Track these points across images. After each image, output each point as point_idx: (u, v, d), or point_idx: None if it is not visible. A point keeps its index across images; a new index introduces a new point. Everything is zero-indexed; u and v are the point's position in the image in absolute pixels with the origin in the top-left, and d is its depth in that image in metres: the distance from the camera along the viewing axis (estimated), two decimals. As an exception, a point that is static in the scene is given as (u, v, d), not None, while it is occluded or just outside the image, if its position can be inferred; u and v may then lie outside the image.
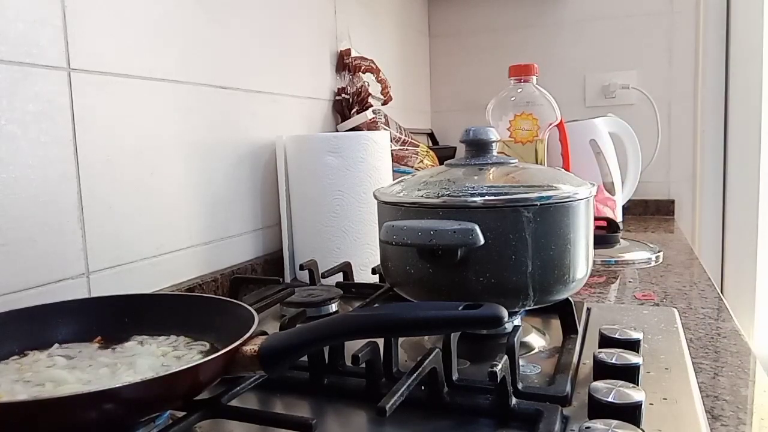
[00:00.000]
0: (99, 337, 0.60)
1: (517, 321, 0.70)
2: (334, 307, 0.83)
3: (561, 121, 1.31)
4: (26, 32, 0.65)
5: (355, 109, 1.32)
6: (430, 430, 0.52)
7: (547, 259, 0.63)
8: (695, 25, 1.80)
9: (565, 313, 0.70)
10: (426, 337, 0.72)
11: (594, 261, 0.87)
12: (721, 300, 0.92)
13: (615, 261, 1.18)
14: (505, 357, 0.51)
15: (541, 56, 1.91)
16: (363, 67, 1.37)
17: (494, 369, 0.48)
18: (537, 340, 0.70)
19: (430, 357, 0.52)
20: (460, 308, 0.45)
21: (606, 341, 0.63)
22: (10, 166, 0.64)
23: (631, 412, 0.48)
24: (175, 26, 0.87)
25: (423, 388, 0.53)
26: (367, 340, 0.55)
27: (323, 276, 0.93)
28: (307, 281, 0.94)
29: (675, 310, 0.82)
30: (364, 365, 0.55)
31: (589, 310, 0.81)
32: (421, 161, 1.36)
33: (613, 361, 0.56)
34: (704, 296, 0.94)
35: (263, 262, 1.06)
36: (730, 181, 1.83)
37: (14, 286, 0.65)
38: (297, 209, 1.06)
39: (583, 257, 0.67)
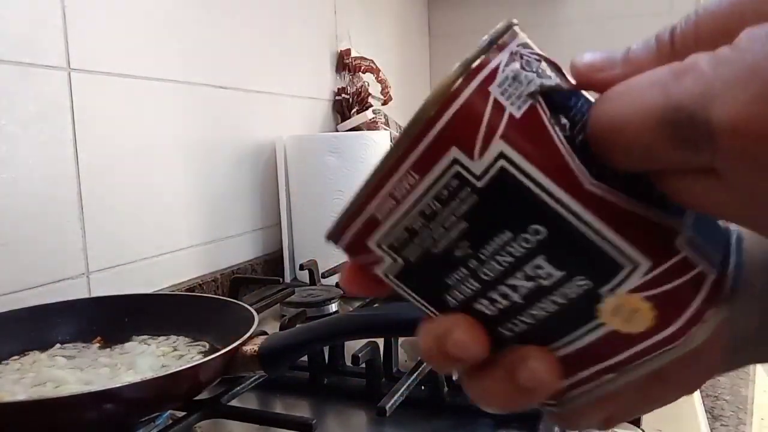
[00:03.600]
0: (99, 337, 0.60)
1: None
2: (334, 307, 0.83)
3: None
4: (26, 32, 0.65)
5: (355, 109, 1.32)
6: (430, 430, 0.52)
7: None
8: (695, 25, 1.80)
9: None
10: (426, 337, 0.72)
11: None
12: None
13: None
14: (505, 357, 0.51)
15: (541, 56, 1.91)
16: (363, 67, 1.37)
17: (494, 369, 0.48)
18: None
19: (430, 357, 0.52)
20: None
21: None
22: (10, 166, 0.64)
23: (631, 412, 0.48)
24: (175, 26, 0.87)
25: (423, 388, 0.53)
26: (367, 340, 0.55)
27: (323, 276, 0.93)
28: (307, 281, 0.94)
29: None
30: (364, 365, 0.55)
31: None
32: (421, 161, 1.36)
33: (613, 361, 0.56)
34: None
35: (263, 262, 1.06)
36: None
37: (14, 285, 0.65)
38: (297, 209, 1.06)
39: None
